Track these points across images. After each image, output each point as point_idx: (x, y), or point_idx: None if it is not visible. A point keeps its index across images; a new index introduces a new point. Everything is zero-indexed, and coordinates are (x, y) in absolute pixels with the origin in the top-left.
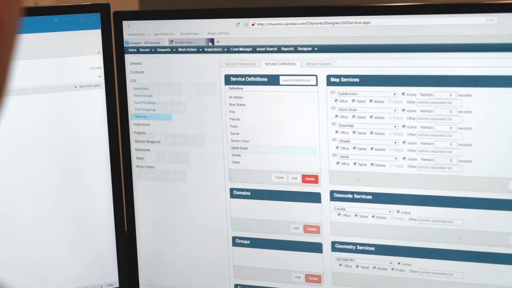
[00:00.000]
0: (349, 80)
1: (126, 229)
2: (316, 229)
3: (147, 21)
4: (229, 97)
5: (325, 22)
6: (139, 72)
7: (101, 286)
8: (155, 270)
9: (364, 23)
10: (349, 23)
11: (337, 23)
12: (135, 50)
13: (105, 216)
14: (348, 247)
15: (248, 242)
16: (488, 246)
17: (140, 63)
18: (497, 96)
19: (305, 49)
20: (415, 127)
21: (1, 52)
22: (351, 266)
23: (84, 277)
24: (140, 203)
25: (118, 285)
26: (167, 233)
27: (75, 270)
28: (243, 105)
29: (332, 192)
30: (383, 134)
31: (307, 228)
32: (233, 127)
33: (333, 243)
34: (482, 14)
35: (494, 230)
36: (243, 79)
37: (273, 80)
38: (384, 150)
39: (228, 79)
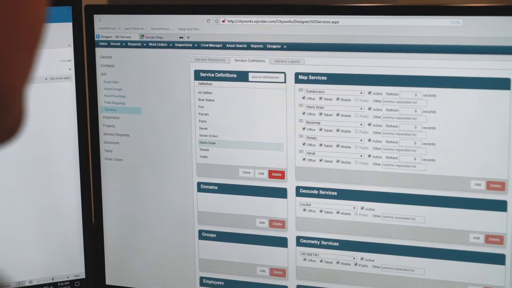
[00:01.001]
0: (316, 78)
1: (93, 221)
2: (282, 224)
3: (119, 16)
4: (198, 92)
5: (294, 20)
6: (110, 66)
7: (68, 277)
8: (122, 262)
9: (332, 22)
10: (318, 22)
11: (306, 22)
12: (106, 44)
13: (73, 208)
14: (312, 242)
15: (214, 235)
16: (449, 243)
17: (110, 57)
18: (461, 97)
19: (274, 46)
20: (381, 126)
21: (29, 37)
22: (315, 261)
23: (50, 268)
24: (108, 195)
25: (84, 276)
26: (134, 225)
27: (42, 261)
28: (212, 100)
29: (298, 188)
30: (349, 131)
31: (272, 223)
32: (201, 122)
33: (298, 238)
34: (448, 16)
35: (455, 227)
36: (213, 74)
37: (242, 76)
38: (349, 147)
39: (197, 75)
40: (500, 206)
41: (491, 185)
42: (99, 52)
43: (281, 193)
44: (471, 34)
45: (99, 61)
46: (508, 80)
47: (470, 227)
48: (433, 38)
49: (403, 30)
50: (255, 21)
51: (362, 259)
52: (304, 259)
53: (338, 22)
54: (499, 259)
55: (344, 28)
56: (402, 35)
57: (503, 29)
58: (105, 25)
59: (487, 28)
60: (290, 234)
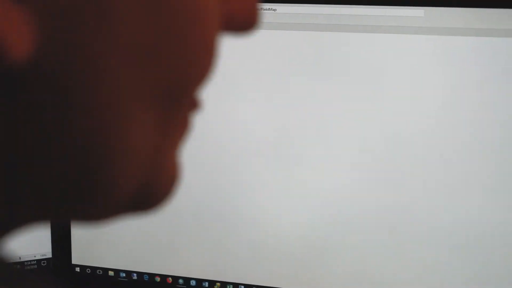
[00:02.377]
0: None
1: None
2: None
3: None
4: None
5: (269, 7)
6: None
7: (35, 256)
8: (88, 242)
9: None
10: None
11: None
12: None
13: None
14: None
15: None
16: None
17: None
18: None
19: None
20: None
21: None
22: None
23: (18, 248)
24: None
25: (51, 256)
26: None
27: (9, 240)
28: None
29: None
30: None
31: None
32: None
33: None
34: (410, 7)
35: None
36: None
37: None
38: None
39: None
40: None
41: None
42: None
43: None
44: (432, 24)
45: None
46: None
47: None
48: (394, 27)
49: (365, 19)
50: None
51: (332, 240)
52: None
53: (301, 11)
54: None
55: (304, 16)
56: (364, 24)
57: (465, 20)
58: None
59: (449, 19)
60: None
